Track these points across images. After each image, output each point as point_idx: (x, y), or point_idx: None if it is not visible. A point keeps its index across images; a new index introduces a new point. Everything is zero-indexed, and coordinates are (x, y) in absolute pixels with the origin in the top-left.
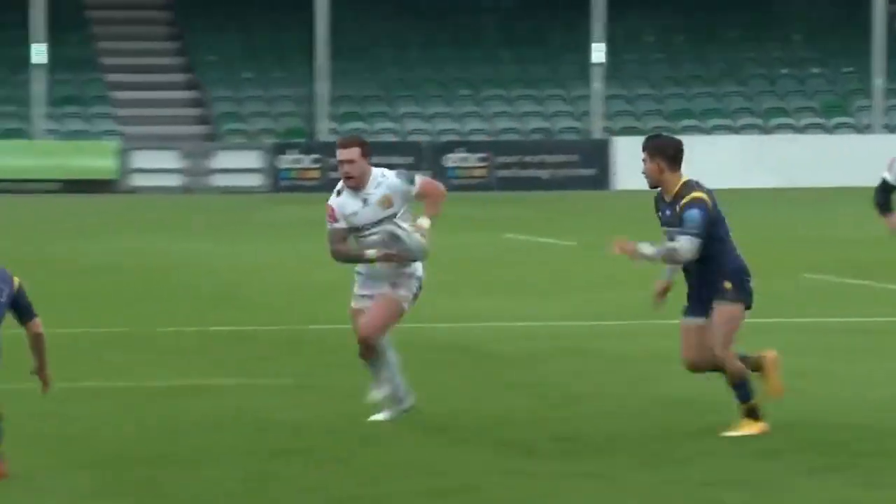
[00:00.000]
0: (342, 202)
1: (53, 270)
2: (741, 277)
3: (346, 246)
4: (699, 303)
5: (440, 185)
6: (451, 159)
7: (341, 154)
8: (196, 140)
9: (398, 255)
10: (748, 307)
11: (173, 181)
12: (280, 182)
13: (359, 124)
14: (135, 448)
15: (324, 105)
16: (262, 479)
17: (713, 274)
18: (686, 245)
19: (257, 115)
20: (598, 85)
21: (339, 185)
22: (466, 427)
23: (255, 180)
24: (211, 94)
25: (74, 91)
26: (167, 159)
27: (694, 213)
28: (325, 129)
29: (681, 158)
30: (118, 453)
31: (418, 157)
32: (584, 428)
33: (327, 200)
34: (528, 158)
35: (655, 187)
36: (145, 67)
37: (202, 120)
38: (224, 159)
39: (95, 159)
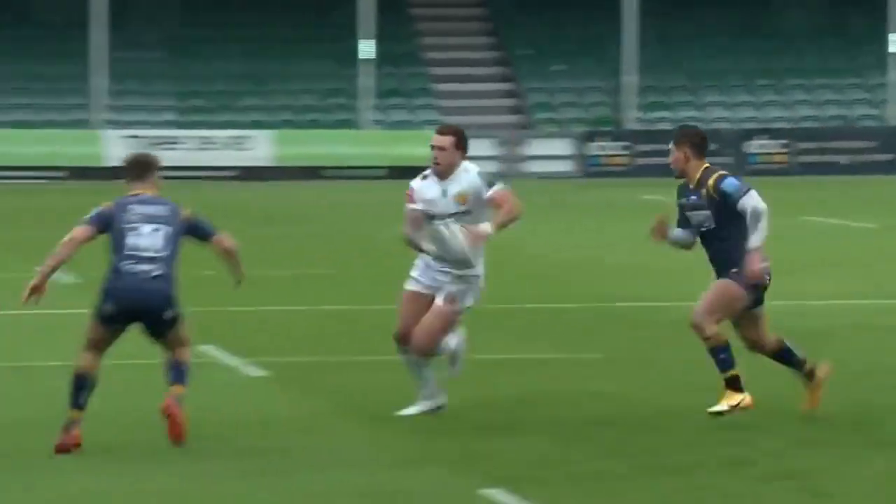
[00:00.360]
0: (423, 187)
1: (380, 251)
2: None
3: (417, 232)
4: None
5: (517, 202)
6: (753, 146)
7: (435, 140)
8: (511, 129)
9: (450, 257)
10: (760, 302)
11: (489, 168)
12: (589, 168)
13: (664, 113)
14: (452, 418)
15: (631, 95)
16: (573, 446)
17: (733, 262)
18: (752, 201)
19: (568, 105)
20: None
21: (427, 170)
22: (767, 400)
23: (565, 166)
24: (524, 85)
25: (399, 84)
26: (484, 147)
27: (731, 181)
28: (632, 118)
29: (706, 147)
30: (434, 424)
31: (721, 143)
32: (878, 400)
33: (411, 182)
34: (827, 145)
35: (681, 177)
36: (464, 61)
37: (516, 110)
38: (537, 147)
39: (418, 147)
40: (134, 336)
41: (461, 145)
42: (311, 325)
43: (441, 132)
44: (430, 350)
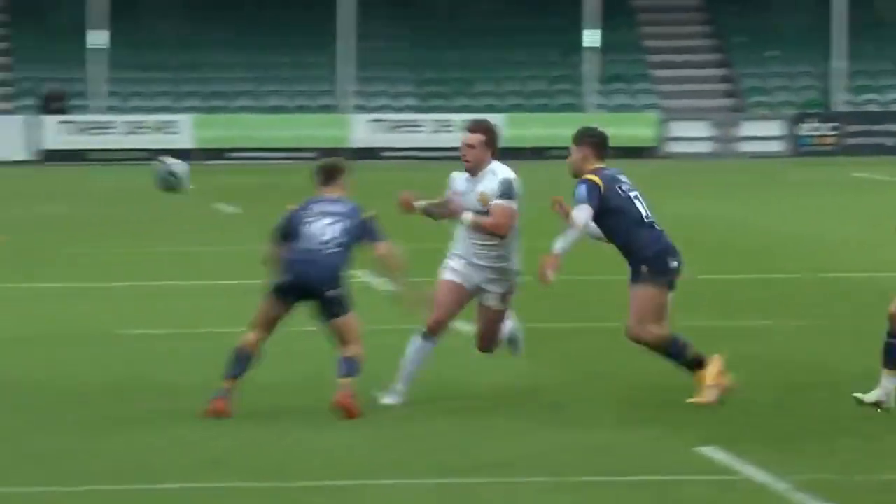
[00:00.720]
0: (458, 178)
1: None
2: (661, 259)
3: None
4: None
5: (504, 223)
6: None
7: (464, 137)
8: (725, 112)
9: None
10: (671, 288)
11: (704, 148)
12: (799, 148)
13: (872, 95)
14: (666, 381)
15: (840, 79)
16: (780, 410)
17: (630, 255)
18: (575, 213)
19: (779, 89)
20: None
21: None
22: None
23: (777, 146)
24: (739, 71)
25: (621, 70)
26: (699, 129)
27: (578, 189)
28: (840, 101)
29: (606, 148)
30: (651, 384)
31: None
32: None
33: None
34: None
35: (577, 176)
36: (682, 49)
37: (730, 94)
38: (749, 128)
39: (638, 129)
40: None
41: (491, 142)
42: (537, 295)
43: (471, 129)
44: (493, 349)
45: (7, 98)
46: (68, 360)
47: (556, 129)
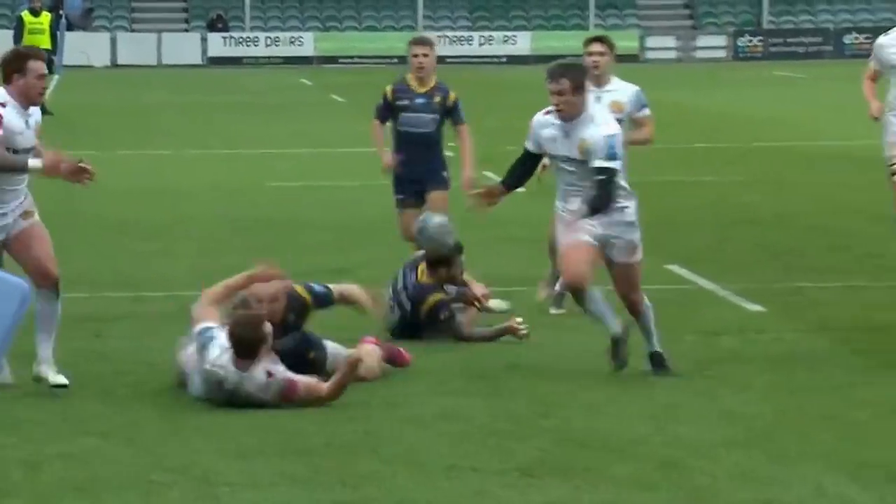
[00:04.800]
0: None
1: None
2: None
3: None
4: None
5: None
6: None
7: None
8: (686, 29)
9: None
10: None
11: (672, 55)
12: (738, 54)
13: (788, 17)
14: None
15: (767, 5)
16: (724, 241)
17: None
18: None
19: (725, 13)
20: None
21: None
22: None
23: (722, 54)
24: None
25: None
26: (668, 42)
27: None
28: (766, 21)
29: None
30: None
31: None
32: None
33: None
34: None
35: None
36: None
37: (690, 16)
38: (703, 41)
39: (625, 42)
40: None
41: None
42: None
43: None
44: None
45: (184, 21)
46: (231, 203)
47: (568, 42)
